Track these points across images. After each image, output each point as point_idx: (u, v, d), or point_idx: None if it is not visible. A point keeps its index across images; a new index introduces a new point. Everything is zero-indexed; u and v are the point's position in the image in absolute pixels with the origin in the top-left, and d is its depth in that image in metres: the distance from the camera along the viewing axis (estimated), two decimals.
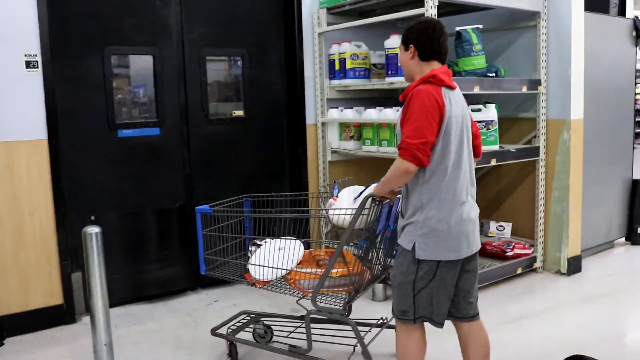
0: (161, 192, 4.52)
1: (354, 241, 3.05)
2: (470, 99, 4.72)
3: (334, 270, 2.98)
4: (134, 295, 4.49)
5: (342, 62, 4.80)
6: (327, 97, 4.97)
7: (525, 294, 4.54)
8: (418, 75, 2.59)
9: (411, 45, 2.62)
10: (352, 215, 2.84)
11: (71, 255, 4.13)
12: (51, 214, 3.98)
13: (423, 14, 3.93)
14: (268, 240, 3.28)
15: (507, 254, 4.80)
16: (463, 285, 2.66)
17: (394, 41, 4.39)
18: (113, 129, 4.32)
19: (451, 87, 2.57)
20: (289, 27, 4.93)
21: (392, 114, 4.48)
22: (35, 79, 3.87)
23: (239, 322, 3.54)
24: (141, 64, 4.46)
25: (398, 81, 4.39)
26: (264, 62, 4.93)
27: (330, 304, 3.07)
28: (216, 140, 4.75)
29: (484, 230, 5.22)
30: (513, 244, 4.89)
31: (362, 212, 2.79)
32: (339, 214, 3.00)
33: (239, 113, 4.87)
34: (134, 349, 3.70)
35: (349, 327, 3.06)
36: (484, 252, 4.82)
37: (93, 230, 3.07)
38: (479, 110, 4.39)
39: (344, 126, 4.89)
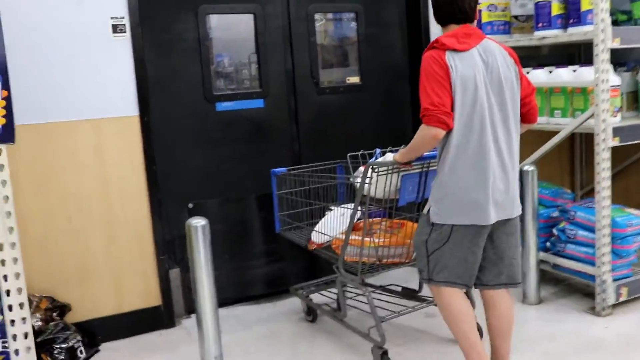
0: (266, 174, 3.82)
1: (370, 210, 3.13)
2: None
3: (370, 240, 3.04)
4: (238, 294, 3.98)
5: (477, 14, 4.02)
6: None
7: None
8: None
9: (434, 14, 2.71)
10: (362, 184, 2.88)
11: (168, 249, 3.70)
12: (145, 203, 3.53)
13: None
14: (335, 207, 3.39)
15: None
16: (492, 252, 2.63)
17: None
18: (211, 101, 3.79)
19: (458, 50, 2.49)
20: None
21: (543, 76, 3.74)
22: (124, 46, 3.40)
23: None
24: (241, 25, 3.89)
25: (551, 35, 3.64)
26: (382, 19, 4.28)
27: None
28: (328, 112, 4.15)
29: None
30: None
31: (366, 181, 2.82)
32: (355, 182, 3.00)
33: (355, 80, 4.26)
34: (246, 359, 3.23)
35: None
36: None
37: (199, 222, 2.73)
38: None
39: None
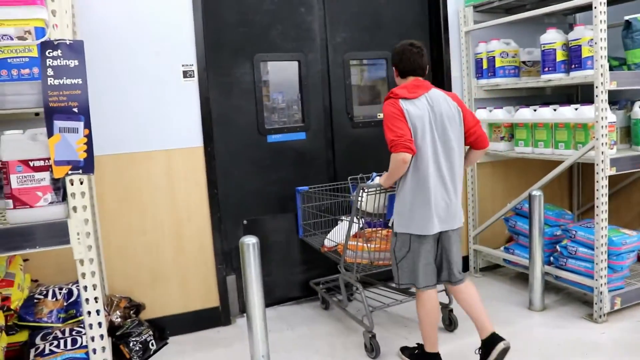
0: None
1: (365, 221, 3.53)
2: (633, 94, 4.24)
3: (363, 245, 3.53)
4: (283, 296, 4.35)
5: (491, 60, 4.38)
6: (474, 97, 4.58)
7: None
8: None
9: (394, 66, 3.17)
10: (359, 201, 3.34)
11: (225, 259, 4.03)
12: (207, 219, 3.88)
13: (590, 4, 3.49)
14: (345, 219, 3.82)
15: None
16: (444, 256, 3.11)
17: (551, 36, 3.92)
18: (263, 134, 4.17)
19: (408, 98, 2.97)
20: (434, 27, 4.58)
21: (548, 114, 4.01)
22: (192, 88, 3.79)
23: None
24: (287, 69, 4.29)
25: (556, 78, 3.92)
26: None
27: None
28: (361, 142, 4.49)
29: None
30: None
31: (358, 199, 3.32)
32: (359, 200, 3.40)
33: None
34: (288, 356, 3.53)
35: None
36: None
37: (250, 240, 2.98)
38: None
39: (493, 127, 4.46)
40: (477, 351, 3.10)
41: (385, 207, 3.39)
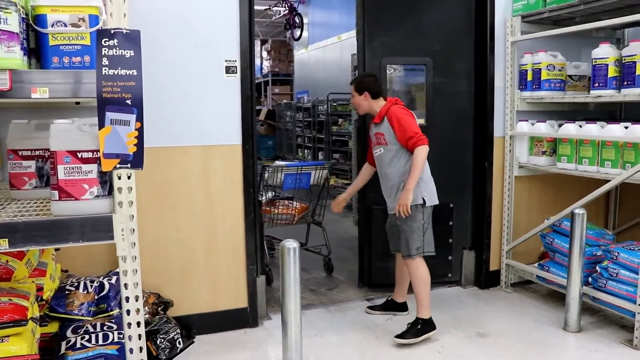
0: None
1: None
2: None
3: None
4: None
5: (537, 72, 4.25)
6: (517, 109, 4.43)
7: None
8: (375, 108, 3.77)
9: (365, 92, 3.76)
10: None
11: (256, 260, 3.94)
12: (241, 219, 3.81)
13: None
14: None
15: None
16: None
17: (604, 51, 3.80)
18: None
19: None
20: (480, 35, 4.45)
21: (595, 131, 3.88)
22: (234, 84, 3.71)
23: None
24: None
25: (606, 94, 3.79)
26: (450, 70, 4.49)
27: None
28: None
29: None
30: None
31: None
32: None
33: (420, 121, 4.36)
34: None
35: None
36: None
37: (291, 245, 2.88)
38: None
39: (535, 140, 4.33)
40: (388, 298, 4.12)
41: (282, 182, 4.94)
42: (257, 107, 11.70)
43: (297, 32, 13.35)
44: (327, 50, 12.16)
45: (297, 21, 13.28)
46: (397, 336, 3.59)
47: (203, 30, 3.62)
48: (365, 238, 4.50)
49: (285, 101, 14.43)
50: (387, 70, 4.42)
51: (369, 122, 3.98)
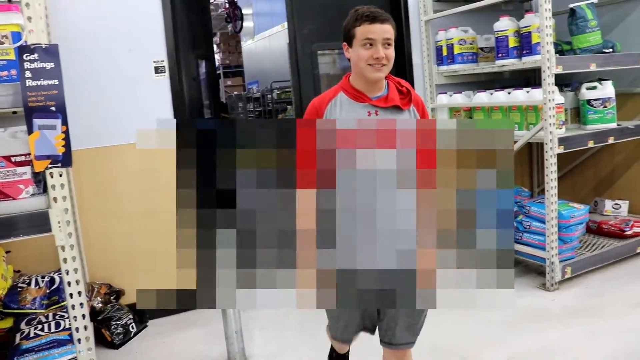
0: None
1: None
2: (584, 77, 4.51)
3: None
4: None
5: (450, 47, 4.63)
6: (435, 83, 4.83)
7: None
8: None
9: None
10: None
11: None
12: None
13: None
14: None
15: (626, 232, 4.47)
16: None
17: (504, 23, 4.18)
18: None
19: None
20: (396, 16, 4.74)
21: (503, 97, 4.27)
22: (164, 83, 3.98)
23: None
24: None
25: (509, 63, 4.19)
26: None
27: None
28: None
29: (598, 209, 4.93)
30: (632, 222, 4.54)
31: None
32: None
33: None
34: (261, 333, 3.73)
35: None
36: (602, 232, 4.58)
37: None
38: (594, 88, 4.14)
39: (454, 111, 4.72)
40: None
41: None
42: None
43: (239, 25, 13.57)
44: (272, 39, 12.40)
45: (238, 14, 13.48)
46: None
47: (131, 34, 3.87)
48: None
49: (236, 93, 14.66)
50: (318, 56, 4.68)
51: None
